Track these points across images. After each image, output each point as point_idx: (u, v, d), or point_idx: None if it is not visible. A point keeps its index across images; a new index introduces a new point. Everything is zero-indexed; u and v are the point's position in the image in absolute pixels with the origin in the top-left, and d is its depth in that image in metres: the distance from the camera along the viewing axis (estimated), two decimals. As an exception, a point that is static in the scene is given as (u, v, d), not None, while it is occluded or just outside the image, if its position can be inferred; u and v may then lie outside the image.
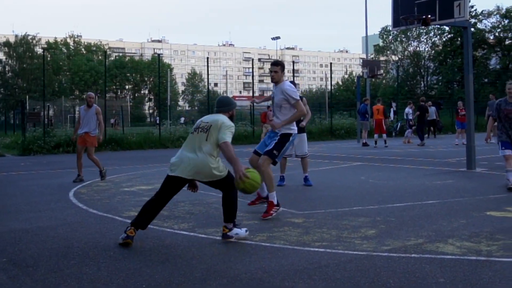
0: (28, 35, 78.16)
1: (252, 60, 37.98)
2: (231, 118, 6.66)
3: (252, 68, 36.13)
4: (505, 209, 8.03)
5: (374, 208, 8.37)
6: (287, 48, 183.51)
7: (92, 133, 12.80)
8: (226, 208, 6.39)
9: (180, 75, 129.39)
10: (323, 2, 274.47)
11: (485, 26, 64.62)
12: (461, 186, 10.62)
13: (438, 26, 55.84)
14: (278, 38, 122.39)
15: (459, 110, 24.28)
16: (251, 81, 36.35)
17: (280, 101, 8.23)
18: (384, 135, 24.09)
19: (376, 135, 24.21)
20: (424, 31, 65.28)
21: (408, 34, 66.49)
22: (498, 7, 64.24)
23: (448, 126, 35.97)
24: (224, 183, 6.34)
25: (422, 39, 67.60)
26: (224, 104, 6.75)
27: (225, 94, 66.50)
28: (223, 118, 6.49)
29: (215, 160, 6.29)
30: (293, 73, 37.27)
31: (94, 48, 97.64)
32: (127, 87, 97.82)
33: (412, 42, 68.29)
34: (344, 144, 27.36)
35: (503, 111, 10.15)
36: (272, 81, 8.32)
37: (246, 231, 6.49)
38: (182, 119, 59.80)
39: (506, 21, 63.26)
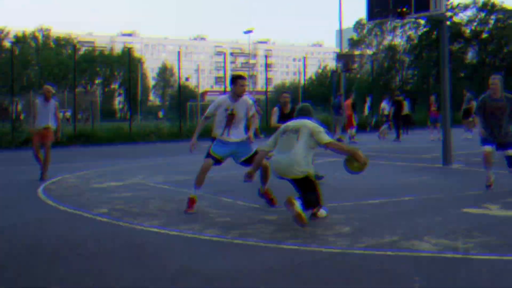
0: (-4, 28, 77.11)
1: (224, 54, 37.92)
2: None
3: (224, 62, 36.17)
4: (482, 206, 8.11)
5: (349, 205, 8.41)
6: (260, 42, 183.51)
7: (52, 128, 12.56)
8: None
9: (151, 69, 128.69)
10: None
11: (462, 19, 65.32)
12: (437, 182, 10.71)
13: (414, 19, 56.31)
14: (250, 31, 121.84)
15: (431, 105, 24.61)
16: (223, 75, 36.22)
17: (245, 114, 8.39)
18: (352, 130, 24.32)
19: (350, 130, 24.42)
20: (400, 24, 65.69)
21: (383, 27, 66.95)
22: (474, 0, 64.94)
23: (424, 121, 36.27)
24: (305, 184, 7.27)
25: (397, 33, 68.10)
26: (308, 112, 7.75)
27: (199, 89, 66.43)
28: (310, 121, 7.47)
29: (305, 160, 7.21)
30: (266, 67, 37.20)
31: (63, 42, 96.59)
32: (96, 81, 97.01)
33: (387, 35, 68.81)
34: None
35: (488, 107, 9.74)
36: (241, 94, 8.30)
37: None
38: (162, 112, 59.35)
39: (483, 14, 64.00)
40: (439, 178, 11.39)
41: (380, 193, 9.52)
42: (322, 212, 7.53)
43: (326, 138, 7.26)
